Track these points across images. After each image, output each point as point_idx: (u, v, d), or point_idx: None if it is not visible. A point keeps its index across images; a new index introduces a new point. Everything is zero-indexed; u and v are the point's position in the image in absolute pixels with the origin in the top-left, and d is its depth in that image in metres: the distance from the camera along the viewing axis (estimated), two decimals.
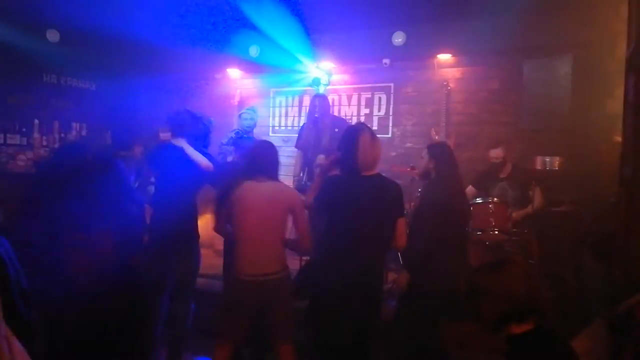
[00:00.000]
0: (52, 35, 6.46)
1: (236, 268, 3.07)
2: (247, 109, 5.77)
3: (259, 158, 3.17)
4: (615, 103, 4.45)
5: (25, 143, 6.61)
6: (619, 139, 3.75)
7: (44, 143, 6.76)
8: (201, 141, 3.82)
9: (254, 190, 3.06)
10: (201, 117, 3.93)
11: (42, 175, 3.09)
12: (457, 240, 3.50)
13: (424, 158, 3.61)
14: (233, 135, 5.37)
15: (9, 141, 6.48)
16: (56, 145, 6.70)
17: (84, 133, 7.17)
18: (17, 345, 1.88)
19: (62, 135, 6.94)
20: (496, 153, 5.01)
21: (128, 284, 2.87)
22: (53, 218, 2.59)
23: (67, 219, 2.60)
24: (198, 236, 3.78)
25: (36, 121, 6.74)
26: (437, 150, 3.63)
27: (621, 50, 3.73)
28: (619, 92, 3.63)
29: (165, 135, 5.60)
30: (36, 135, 6.72)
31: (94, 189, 2.73)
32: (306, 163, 5.13)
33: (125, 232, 2.93)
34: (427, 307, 3.23)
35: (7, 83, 6.39)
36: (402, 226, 3.12)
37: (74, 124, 7.13)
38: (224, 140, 5.29)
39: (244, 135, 5.33)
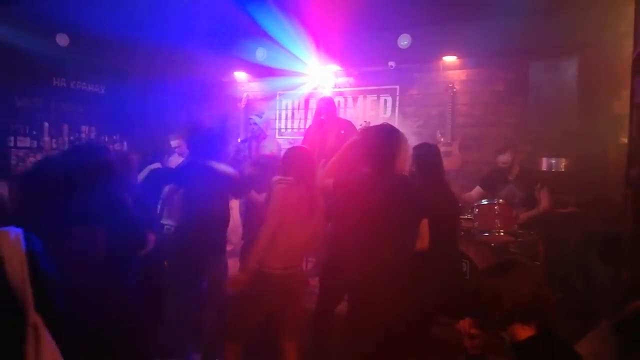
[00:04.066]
0: (62, 39, 6.52)
1: (267, 262, 3.10)
2: (252, 115, 5.94)
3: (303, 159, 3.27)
4: (622, 104, 4.45)
5: (35, 146, 6.67)
6: (625, 140, 3.76)
7: (54, 146, 6.83)
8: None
9: (291, 189, 3.13)
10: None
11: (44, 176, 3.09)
12: (446, 242, 3.45)
13: (409, 159, 3.46)
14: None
15: (19, 144, 6.54)
16: (65, 148, 6.75)
17: (92, 136, 7.23)
18: (47, 336, 1.95)
19: (71, 138, 7.01)
20: (504, 158, 4.95)
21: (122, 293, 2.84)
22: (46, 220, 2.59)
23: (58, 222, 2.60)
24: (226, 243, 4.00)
25: (46, 124, 6.80)
26: (420, 152, 3.54)
27: (627, 51, 3.73)
28: (626, 94, 3.64)
29: (175, 143, 5.72)
30: (46, 138, 6.79)
31: (89, 191, 2.72)
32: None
33: (118, 241, 2.90)
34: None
35: (18, 86, 6.45)
36: (425, 228, 3.04)
37: (83, 127, 7.20)
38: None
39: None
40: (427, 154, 3.55)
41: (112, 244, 2.83)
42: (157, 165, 4.77)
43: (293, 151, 3.40)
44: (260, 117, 5.97)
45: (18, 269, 1.89)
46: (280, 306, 3.19)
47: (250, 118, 5.84)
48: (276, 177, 3.19)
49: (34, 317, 1.92)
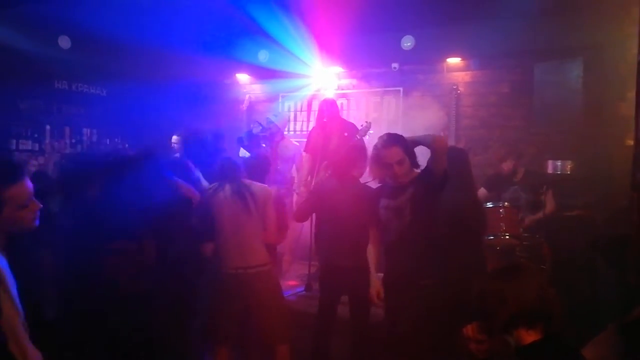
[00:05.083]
0: (64, 42, 6.52)
1: (224, 263, 3.28)
2: (269, 115, 5.99)
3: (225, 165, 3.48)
4: (627, 106, 4.41)
5: (37, 148, 6.66)
6: (631, 142, 3.70)
7: (55, 148, 6.83)
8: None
9: (228, 190, 3.34)
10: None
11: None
12: (472, 248, 3.43)
13: None
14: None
15: (21, 147, 6.53)
16: (67, 151, 6.76)
17: (94, 139, 7.22)
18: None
19: (73, 140, 7.00)
20: (506, 166, 5.00)
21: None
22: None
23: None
24: None
25: (48, 127, 6.80)
26: (450, 155, 3.47)
27: (633, 52, 3.68)
28: (631, 95, 3.58)
29: (175, 140, 5.72)
30: (48, 141, 6.78)
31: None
32: (314, 167, 5.13)
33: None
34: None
35: (19, 89, 6.45)
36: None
37: (84, 130, 7.19)
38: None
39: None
40: (455, 157, 3.47)
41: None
42: None
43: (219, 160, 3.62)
44: (277, 116, 5.93)
45: None
46: (252, 307, 3.24)
47: (267, 117, 5.80)
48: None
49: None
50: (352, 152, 3.93)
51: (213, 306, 3.28)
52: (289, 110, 7.46)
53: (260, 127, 5.64)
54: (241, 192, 3.32)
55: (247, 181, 3.44)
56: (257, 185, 3.46)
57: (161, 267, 2.84)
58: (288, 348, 3.28)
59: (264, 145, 5.53)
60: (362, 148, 4.13)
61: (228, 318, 3.25)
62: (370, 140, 4.84)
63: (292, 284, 5.14)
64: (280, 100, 7.50)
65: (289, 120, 6.66)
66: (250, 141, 5.52)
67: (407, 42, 6.07)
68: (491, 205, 4.66)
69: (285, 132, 7.29)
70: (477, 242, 3.69)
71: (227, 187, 3.35)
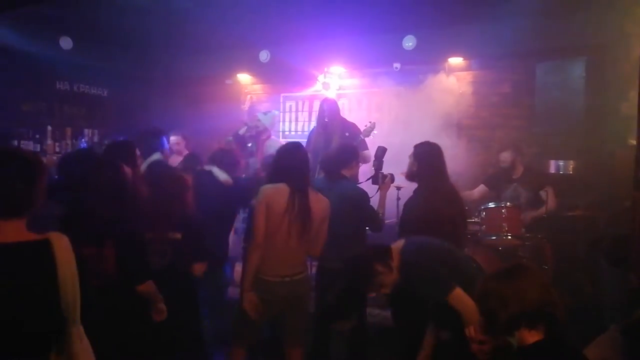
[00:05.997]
0: (65, 43, 6.52)
1: (263, 270, 3.03)
2: (259, 112, 5.93)
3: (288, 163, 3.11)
4: (630, 106, 4.39)
5: (38, 149, 6.66)
6: (633, 142, 3.70)
7: (57, 149, 6.83)
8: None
9: (285, 196, 3.00)
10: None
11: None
12: (452, 240, 3.36)
13: (410, 158, 3.48)
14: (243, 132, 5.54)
15: (22, 147, 6.55)
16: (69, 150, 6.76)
17: (95, 139, 7.22)
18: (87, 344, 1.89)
19: (74, 141, 7.01)
20: (504, 157, 4.98)
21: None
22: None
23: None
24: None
25: (49, 128, 6.81)
26: (420, 151, 3.45)
27: (635, 52, 3.70)
28: (633, 95, 3.58)
29: (175, 140, 5.65)
30: (49, 141, 6.79)
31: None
32: (315, 166, 5.14)
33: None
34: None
35: (21, 90, 6.47)
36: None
37: (86, 131, 7.20)
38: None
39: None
40: (427, 152, 3.46)
41: None
42: (157, 155, 4.56)
43: (284, 153, 3.21)
44: (266, 114, 5.86)
45: (70, 274, 1.78)
46: (283, 312, 3.14)
47: (257, 114, 5.78)
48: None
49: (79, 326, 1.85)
50: (343, 151, 3.89)
51: (244, 309, 3.06)
52: (279, 111, 7.43)
53: (246, 128, 5.58)
54: (308, 205, 2.99)
55: (313, 191, 3.12)
56: (320, 198, 3.14)
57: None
58: (302, 352, 3.21)
59: (249, 144, 5.49)
60: (354, 148, 4.10)
61: (260, 321, 3.10)
62: (373, 140, 4.85)
63: None
64: (281, 100, 7.49)
65: (278, 120, 6.61)
66: (237, 142, 5.47)
67: (409, 42, 6.05)
68: (493, 206, 4.65)
69: (281, 131, 7.34)
70: (457, 234, 3.60)
71: (294, 195, 2.97)
